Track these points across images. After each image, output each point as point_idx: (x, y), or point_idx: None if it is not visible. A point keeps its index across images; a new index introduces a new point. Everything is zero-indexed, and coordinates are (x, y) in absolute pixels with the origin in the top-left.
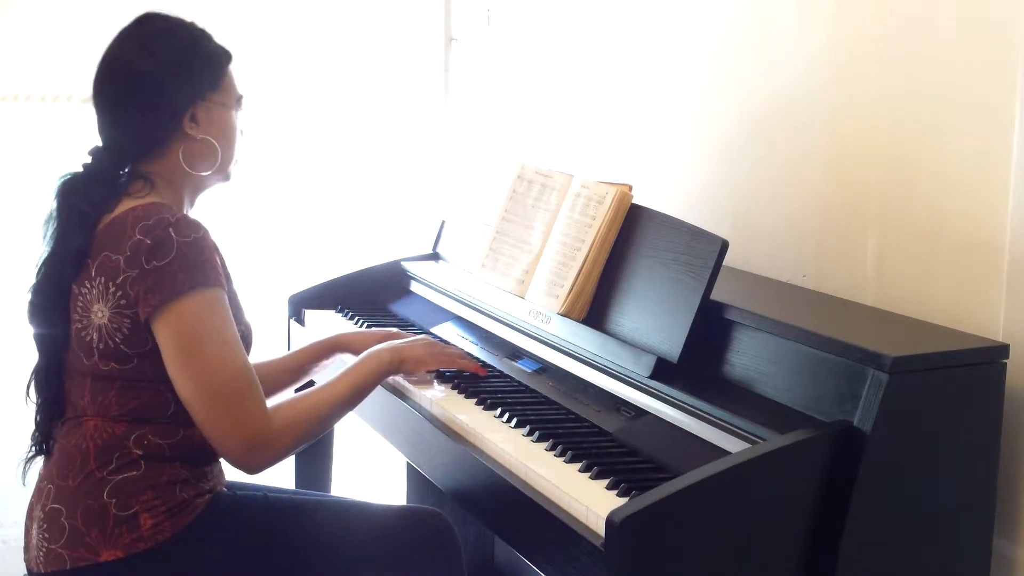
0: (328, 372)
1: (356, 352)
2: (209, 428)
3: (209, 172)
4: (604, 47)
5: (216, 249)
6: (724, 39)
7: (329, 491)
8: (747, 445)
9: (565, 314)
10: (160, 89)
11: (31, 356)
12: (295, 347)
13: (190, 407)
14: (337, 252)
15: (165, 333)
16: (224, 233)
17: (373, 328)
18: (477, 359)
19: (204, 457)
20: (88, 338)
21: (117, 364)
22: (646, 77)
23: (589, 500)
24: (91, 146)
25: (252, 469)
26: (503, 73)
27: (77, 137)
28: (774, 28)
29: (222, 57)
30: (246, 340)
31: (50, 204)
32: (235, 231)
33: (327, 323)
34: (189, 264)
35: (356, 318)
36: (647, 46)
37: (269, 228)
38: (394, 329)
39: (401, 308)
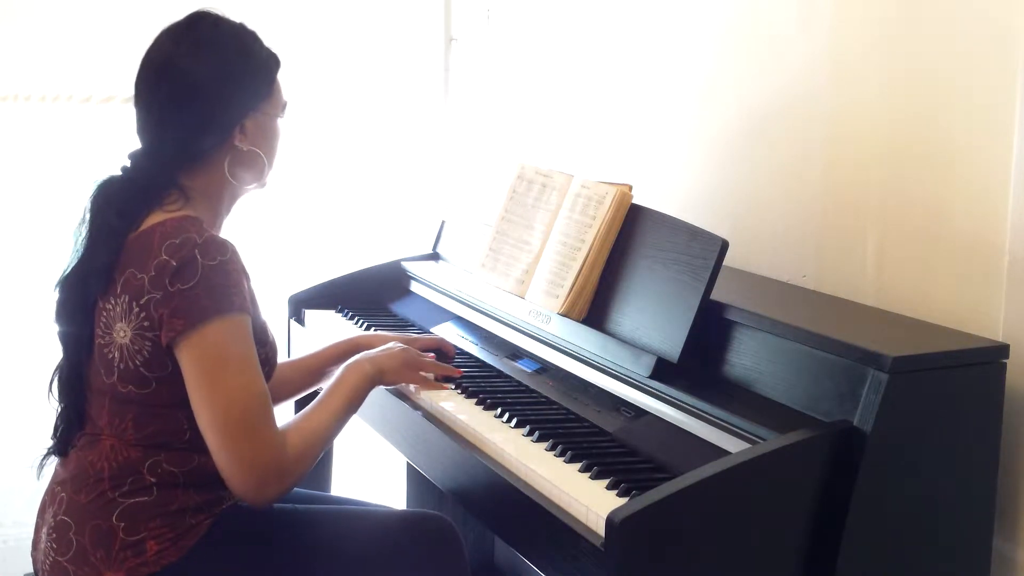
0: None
1: None
2: (222, 458)
3: (252, 184)
4: (604, 47)
5: (244, 272)
6: (724, 39)
7: (329, 491)
8: (747, 445)
9: (565, 314)
10: (215, 100)
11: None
12: (295, 347)
13: (206, 434)
14: (337, 252)
15: (187, 358)
16: (224, 233)
17: (380, 331)
18: (471, 355)
19: (219, 483)
20: (110, 356)
21: (136, 388)
22: (646, 77)
23: (589, 500)
24: (130, 148)
25: (266, 500)
26: (503, 73)
27: (77, 137)
28: (774, 28)
29: (272, 64)
30: (270, 361)
31: (84, 208)
32: (235, 231)
33: (327, 323)
34: (214, 288)
35: (356, 318)
36: (647, 46)
37: (269, 228)
38: (412, 335)
39: (401, 308)
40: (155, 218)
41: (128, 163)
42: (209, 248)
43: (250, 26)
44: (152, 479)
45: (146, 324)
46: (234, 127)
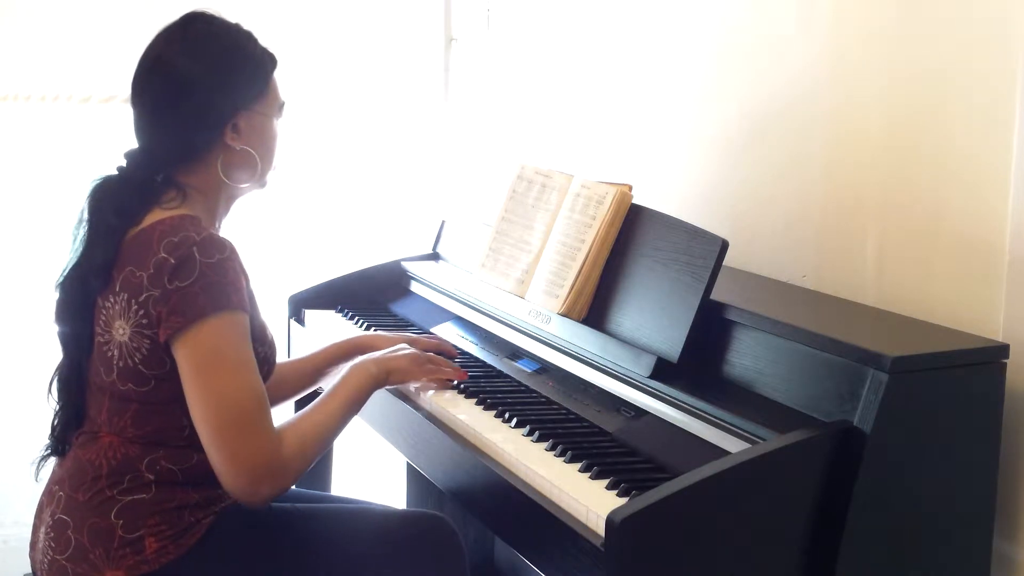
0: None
1: None
2: (216, 456)
3: (247, 183)
4: (604, 47)
5: (242, 270)
6: (724, 39)
7: (329, 491)
8: (747, 445)
9: (565, 314)
10: (205, 97)
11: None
12: (295, 347)
13: (200, 431)
14: (337, 252)
15: (183, 355)
16: (224, 233)
17: (381, 332)
18: (471, 355)
19: (217, 480)
20: (109, 354)
21: (135, 385)
22: (646, 77)
23: (589, 500)
24: (127, 148)
25: (260, 500)
26: (503, 73)
27: (77, 137)
28: (774, 28)
29: (268, 63)
30: (269, 360)
31: (82, 207)
32: (235, 231)
33: (327, 323)
34: (212, 286)
35: (356, 318)
36: (647, 46)
37: (269, 228)
38: (412, 335)
39: (401, 308)
40: (154, 216)
41: (124, 162)
42: (207, 246)
43: (248, 26)
44: (151, 476)
45: (144, 322)
46: (225, 125)
